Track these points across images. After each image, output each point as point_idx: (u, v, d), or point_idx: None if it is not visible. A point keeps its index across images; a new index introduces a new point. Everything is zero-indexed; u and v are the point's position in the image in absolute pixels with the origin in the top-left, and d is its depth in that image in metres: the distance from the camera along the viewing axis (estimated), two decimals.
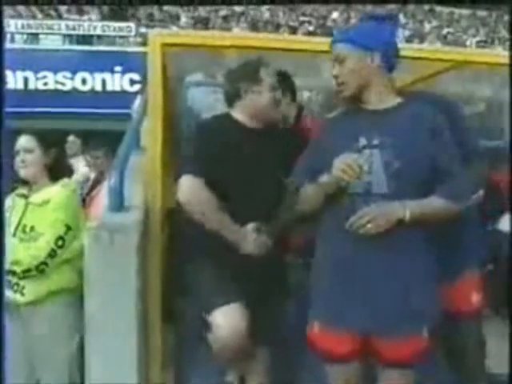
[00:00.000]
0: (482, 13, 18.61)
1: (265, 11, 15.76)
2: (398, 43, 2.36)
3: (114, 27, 11.99)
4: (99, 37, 11.91)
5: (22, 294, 2.88)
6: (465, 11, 18.79)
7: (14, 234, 2.91)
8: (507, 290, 3.14)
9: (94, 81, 10.47)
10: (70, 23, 12.00)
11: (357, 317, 2.18)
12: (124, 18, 12.73)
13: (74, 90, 10.39)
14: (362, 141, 2.20)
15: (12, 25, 11.58)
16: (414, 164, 2.17)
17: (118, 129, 3.50)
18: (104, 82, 10.51)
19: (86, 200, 4.54)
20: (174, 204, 2.75)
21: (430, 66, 3.21)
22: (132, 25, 12.15)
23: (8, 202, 2.96)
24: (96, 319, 2.46)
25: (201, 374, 3.01)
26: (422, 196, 2.18)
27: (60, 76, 10.37)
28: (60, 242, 2.87)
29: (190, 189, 2.55)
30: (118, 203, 2.58)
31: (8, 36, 11.41)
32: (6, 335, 2.41)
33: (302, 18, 15.39)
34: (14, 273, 2.83)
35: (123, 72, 10.39)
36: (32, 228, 2.90)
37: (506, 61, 2.92)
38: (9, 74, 10.03)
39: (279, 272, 2.76)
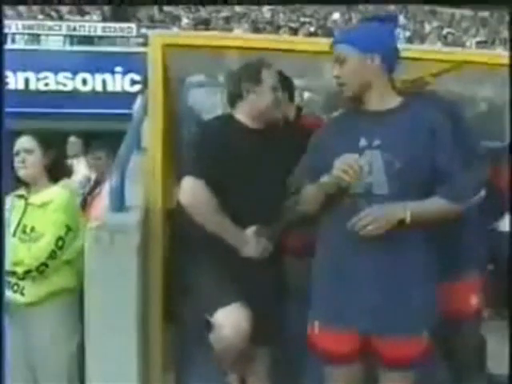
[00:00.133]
0: (482, 13, 18.59)
1: (266, 12, 15.76)
2: (398, 44, 2.37)
3: (114, 28, 11.97)
4: (100, 37, 11.90)
5: (22, 295, 2.88)
6: (465, 12, 18.78)
7: (14, 235, 2.91)
8: (507, 290, 3.14)
9: (94, 81, 10.46)
10: (71, 24, 11.99)
11: (357, 317, 2.19)
12: (125, 19, 12.72)
13: (75, 91, 10.39)
14: (363, 141, 2.20)
15: (13, 26, 11.57)
16: (415, 164, 2.17)
17: (118, 129, 3.50)
18: (105, 83, 10.49)
19: (87, 200, 4.56)
20: (174, 204, 2.76)
21: (431, 67, 3.20)
22: (133, 26, 12.14)
23: (7, 202, 2.96)
24: (96, 320, 2.46)
25: (201, 375, 3.01)
26: (423, 196, 2.18)
27: (61, 76, 10.36)
28: (60, 243, 2.87)
29: (191, 191, 2.55)
30: (119, 203, 2.58)
31: (9, 37, 11.42)
32: (6, 335, 2.42)
33: (302, 19, 15.36)
34: (14, 273, 2.84)
35: (124, 73, 10.38)
36: (32, 229, 2.90)
37: (507, 61, 2.92)
38: (10, 74, 10.03)
39: (279, 273, 2.77)
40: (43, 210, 2.93)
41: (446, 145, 2.23)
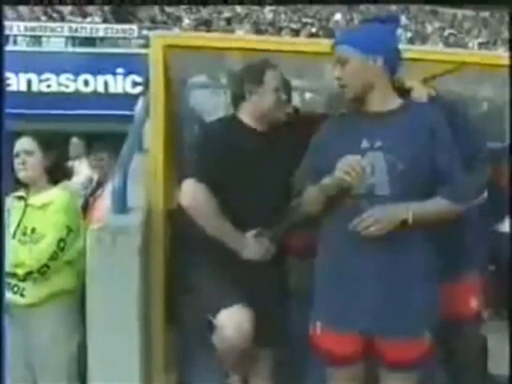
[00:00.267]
0: (484, 14, 18.59)
1: (267, 13, 15.76)
2: (400, 45, 2.37)
3: (116, 29, 11.98)
4: (102, 39, 11.91)
5: (23, 296, 2.88)
6: (467, 12, 18.76)
7: (14, 236, 2.91)
8: (507, 291, 3.14)
9: (96, 83, 10.47)
10: (73, 25, 12.00)
11: (359, 318, 2.19)
12: (126, 20, 12.73)
13: (77, 92, 10.40)
14: (365, 143, 2.20)
15: (15, 27, 11.59)
16: (417, 165, 2.17)
17: (120, 130, 3.51)
18: (106, 84, 10.50)
19: (89, 201, 4.56)
20: (176, 205, 2.76)
21: (433, 68, 3.21)
22: (134, 27, 12.15)
23: (6, 203, 2.96)
24: (98, 320, 2.46)
25: (203, 376, 3.01)
26: (425, 197, 2.18)
27: (63, 78, 10.37)
28: (61, 244, 2.88)
29: (191, 193, 2.56)
30: (121, 205, 2.58)
31: (11, 38, 11.43)
32: (6, 336, 2.42)
33: (304, 20, 15.36)
34: (14, 275, 2.84)
35: (126, 74, 10.38)
36: (33, 230, 2.90)
37: (507, 62, 2.92)
38: (12, 76, 10.06)
39: (282, 274, 2.77)
40: (43, 211, 2.93)
41: (446, 145, 2.23)
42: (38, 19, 12.42)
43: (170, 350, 3.00)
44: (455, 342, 2.70)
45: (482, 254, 2.82)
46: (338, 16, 16.28)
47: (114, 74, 10.49)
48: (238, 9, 15.11)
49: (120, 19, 12.65)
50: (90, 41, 11.82)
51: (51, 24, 12.06)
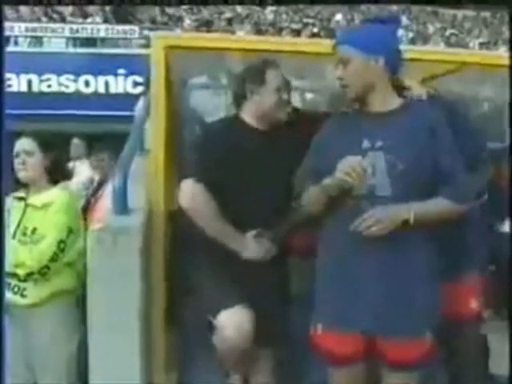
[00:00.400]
0: (485, 14, 18.58)
1: (269, 14, 15.76)
2: (401, 45, 2.37)
3: (117, 30, 11.98)
4: (103, 39, 11.92)
5: (23, 296, 2.89)
6: (468, 13, 18.76)
7: (14, 237, 2.91)
8: (508, 291, 3.14)
9: (97, 83, 10.48)
10: (74, 26, 12.01)
11: (360, 318, 2.19)
12: (127, 21, 12.74)
13: (78, 93, 10.40)
14: (366, 143, 2.20)
15: (16, 28, 11.60)
16: (417, 165, 2.17)
17: (121, 131, 3.51)
18: (107, 85, 10.50)
19: (90, 202, 4.56)
20: (176, 206, 2.75)
21: (433, 68, 3.20)
22: (135, 27, 12.16)
23: (6, 204, 2.96)
24: (99, 321, 2.46)
25: (204, 376, 3.01)
26: (426, 197, 2.18)
27: (63, 78, 10.38)
28: (62, 246, 2.88)
29: (190, 194, 2.57)
30: (122, 205, 2.58)
31: (12, 39, 11.44)
32: (6, 336, 2.42)
33: (305, 20, 15.36)
34: (15, 275, 2.84)
35: (126, 74, 10.38)
36: (33, 230, 2.91)
37: (507, 62, 2.91)
38: (13, 76, 10.06)
39: (283, 274, 2.77)
40: (44, 211, 2.93)
41: (447, 145, 2.23)
42: (38, 20, 12.43)
43: (171, 350, 3.00)
44: (456, 342, 2.70)
45: (482, 254, 2.82)
46: (338, 16, 16.28)
47: (115, 74, 10.50)
48: (239, 9, 15.11)
49: (121, 20, 12.65)
50: (90, 41, 11.82)
51: (52, 25, 12.07)
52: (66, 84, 10.41)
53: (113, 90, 10.52)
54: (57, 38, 11.76)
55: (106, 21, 12.84)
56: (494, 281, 3.13)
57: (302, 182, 2.35)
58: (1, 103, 2.61)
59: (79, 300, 2.92)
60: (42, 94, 10.36)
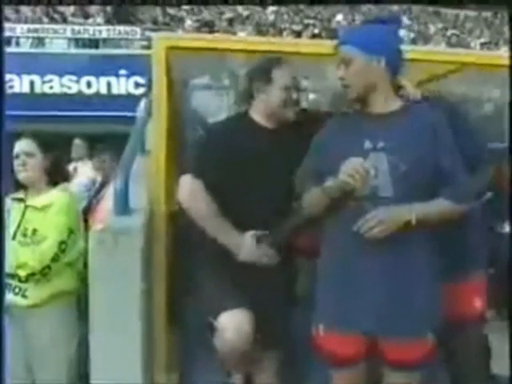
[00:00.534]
0: (486, 14, 18.58)
1: (270, 14, 15.77)
2: (402, 46, 2.36)
3: (119, 30, 12.01)
4: (104, 40, 11.94)
5: (24, 297, 2.89)
6: (469, 13, 18.76)
7: (14, 238, 2.91)
8: (508, 291, 3.13)
9: (99, 84, 10.49)
10: (76, 27, 12.04)
11: (362, 319, 2.18)
12: (129, 22, 12.76)
13: (80, 94, 10.41)
14: (368, 144, 2.20)
15: (18, 29, 11.62)
16: (419, 166, 2.17)
17: (123, 132, 3.51)
18: (109, 85, 10.51)
19: (92, 203, 4.57)
20: (177, 207, 2.75)
21: (435, 68, 3.20)
22: (137, 28, 12.18)
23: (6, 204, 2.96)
24: (100, 321, 2.47)
25: (205, 377, 3.01)
26: (428, 198, 2.18)
27: (65, 79, 10.39)
28: (63, 246, 2.89)
29: (188, 189, 2.56)
30: (123, 206, 2.58)
31: (14, 40, 11.46)
32: (6, 337, 2.43)
33: (306, 21, 15.37)
34: (16, 276, 2.85)
35: (128, 75, 10.39)
36: (34, 232, 2.91)
37: (507, 62, 2.91)
38: (15, 77, 10.08)
39: (287, 275, 2.75)
40: (44, 212, 2.94)
41: (448, 146, 2.23)
42: (40, 21, 12.46)
43: (172, 350, 3.00)
44: (458, 342, 2.69)
45: (483, 254, 2.81)
46: (339, 17, 16.30)
47: (117, 75, 10.50)
48: (240, 10, 15.13)
49: (122, 21, 12.68)
50: (92, 42, 11.85)
51: (54, 26, 12.10)
52: (68, 85, 10.42)
53: (115, 90, 10.53)
54: (58, 38, 11.78)
55: (107, 22, 12.87)
56: (495, 281, 3.13)
57: (302, 182, 2.35)
58: (1, 104, 2.61)
59: (79, 300, 2.94)
60: (43, 95, 10.37)
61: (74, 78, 10.41)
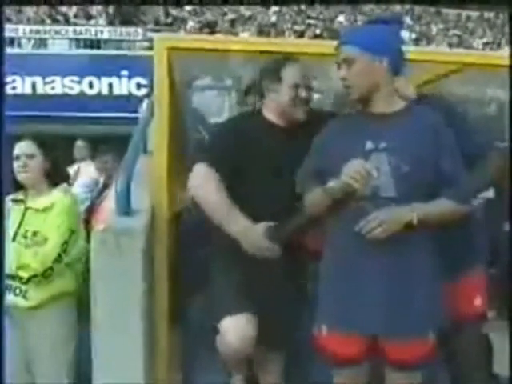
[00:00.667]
0: (488, 14, 18.57)
1: (272, 15, 15.79)
2: (403, 46, 2.36)
3: (120, 31, 12.03)
4: (106, 41, 11.95)
5: (25, 299, 2.89)
6: (472, 13, 18.76)
7: (14, 239, 2.92)
8: (509, 290, 3.13)
9: (101, 85, 10.50)
10: (78, 28, 12.06)
11: (364, 319, 2.18)
12: (131, 23, 12.78)
13: (82, 94, 10.42)
14: (369, 144, 2.19)
15: (20, 30, 11.64)
16: (421, 167, 2.17)
17: (125, 132, 3.51)
18: (111, 86, 10.53)
19: (95, 204, 4.57)
20: (180, 208, 2.76)
21: (436, 69, 3.20)
22: (139, 29, 12.19)
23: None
24: (102, 322, 2.47)
25: (207, 377, 3.01)
26: (430, 198, 2.18)
27: (67, 80, 10.41)
28: (65, 247, 2.89)
29: (201, 176, 2.53)
30: (125, 207, 2.58)
31: (16, 41, 11.48)
32: (6, 337, 2.43)
33: (308, 21, 15.39)
34: (17, 277, 2.85)
35: (130, 76, 10.40)
36: (34, 233, 2.91)
37: (507, 62, 2.91)
38: (17, 78, 10.10)
39: (296, 277, 2.73)
40: (45, 214, 2.94)
41: (449, 146, 2.23)
42: (42, 22, 12.48)
43: (174, 350, 3.01)
44: (458, 341, 2.69)
45: (482, 252, 2.81)
46: (341, 17, 16.31)
47: (119, 76, 10.51)
48: (242, 11, 15.14)
49: (124, 22, 12.69)
50: (94, 43, 11.86)
51: (56, 26, 12.12)
52: (70, 86, 10.43)
53: (116, 91, 10.54)
54: (61, 39, 11.80)
55: (109, 23, 12.89)
56: (496, 280, 3.13)
57: (303, 182, 2.35)
58: (1, 105, 2.62)
59: (78, 302, 2.95)
60: (46, 95, 10.38)
61: (75, 78, 10.42)
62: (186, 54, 3.01)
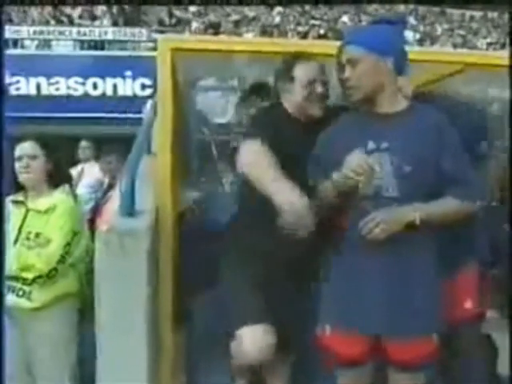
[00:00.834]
0: (492, 15, 18.53)
1: (275, 16, 15.79)
2: (408, 46, 2.36)
3: (125, 32, 12.05)
4: (110, 42, 11.96)
5: (29, 300, 2.89)
6: (476, 13, 18.72)
7: (16, 241, 2.92)
8: (509, 289, 3.12)
9: (105, 85, 10.51)
10: (82, 29, 12.07)
11: (367, 319, 2.18)
12: (135, 24, 12.79)
13: (86, 95, 10.44)
14: (371, 144, 2.20)
15: (24, 31, 11.67)
16: (423, 167, 2.17)
17: (129, 133, 3.52)
18: (115, 87, 10.54)
19: (99, 204, 4.57)
20: (183, 208, 2.75)
21: (442, 68, 3.20)
22: (143, 30, 12.21)
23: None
24: (107, 323, 2.47)
25: (211, 379, 3.01)
26: (432, 198, 2.18)
27: (72, 81, 10.43)
28: (68, 248, 2.90)
29: (255, 148, 2.39)
30: (129, 207, 2.58)
31: (20, 42, 11.51)
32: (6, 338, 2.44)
33: (312, 22, 15.38)
34: (21, 279, 2.85)
35: (134, 77, 10.42)
36: (37, 235, 2.91)
37: (507, 62, 2.90)
38: (22, 79, 10.13)
39: (313, 278, 2.70)
40: (48, 215, 2.94)
41: (452, 145, 2.23)
42: (46, 23, 12.50)
43: (178, 352, 3.01)
44: (458, 340, 2.67)
45: (483, 253, 2.80)
46: (345, 18, 16.30)
47: (123, 76, 10.53)
48: (246, 12, 15.15)
49: (129, 22, 12.71)
50: (98, 44, 11.87)
51: (60, 27, 12.14)
52: (74, 87, 10.46)
53: (121, 92, 10.56)
54: (65, 40, 11.82)
55: (114, 23, 12.90)
56: (497, 279, 3.12)
57: (313, 175, 2.32)
58: (1, 106, 2.63)
59: (81, 302, 2.96)
60: (50, 96, 10.40)
61: (80, 79, 10.45)
62: (190, 54, 3.01)
